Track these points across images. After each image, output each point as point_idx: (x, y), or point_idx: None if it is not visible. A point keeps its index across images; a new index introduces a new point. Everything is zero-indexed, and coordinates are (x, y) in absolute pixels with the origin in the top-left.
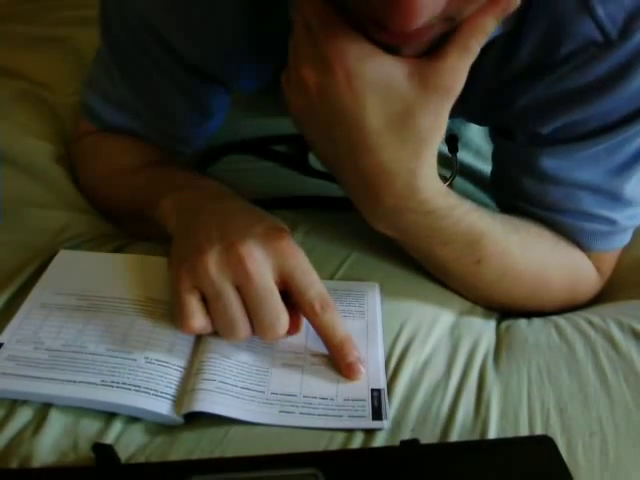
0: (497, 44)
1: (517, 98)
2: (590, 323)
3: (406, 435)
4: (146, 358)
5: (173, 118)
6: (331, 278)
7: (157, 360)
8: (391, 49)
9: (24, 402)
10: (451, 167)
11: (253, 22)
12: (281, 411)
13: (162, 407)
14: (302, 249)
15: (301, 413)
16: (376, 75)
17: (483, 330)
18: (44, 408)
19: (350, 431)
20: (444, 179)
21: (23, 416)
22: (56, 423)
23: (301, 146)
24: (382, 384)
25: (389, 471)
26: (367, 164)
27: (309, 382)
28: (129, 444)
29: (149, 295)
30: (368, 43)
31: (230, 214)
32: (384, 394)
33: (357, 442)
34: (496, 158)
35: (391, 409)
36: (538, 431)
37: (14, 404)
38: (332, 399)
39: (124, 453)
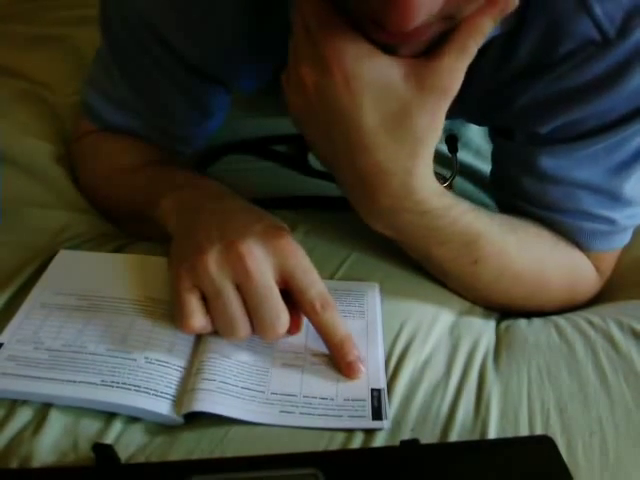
0: (495, 44)
1: (516, 98)
2: (590, 323)
3: (406, 435)
4: (146, 358)
5: (173, 117)
6: (331, 278)
7: (157, 360)
8: (389, 49)
9: (24, 402)
10: (451, 167)
11: (253, 22)
12: (281, 411)
13: (162, 407)
14: (302, 248)
15: (301, 413)
16: (373, 75)
17: (483, 330)
18: (44, 408)
19: (350, 431)
20: (444, 179)
21: (23, 416)
22: (56, 423)
23: (301, 146)
24: (382, 384)
25: (389, 471)
26: (364, 164)
27: (309, 382)
28: (129, 444)
29: (149, 295)
30: (366, 43)
31: (230, 213)
32: (384, 394)
33: (357, 442)
34: (495, 158)
35: (391, 409)
36: (538, 431)
37: (14, 404)
38: (332, 399)
39: (124, 453)
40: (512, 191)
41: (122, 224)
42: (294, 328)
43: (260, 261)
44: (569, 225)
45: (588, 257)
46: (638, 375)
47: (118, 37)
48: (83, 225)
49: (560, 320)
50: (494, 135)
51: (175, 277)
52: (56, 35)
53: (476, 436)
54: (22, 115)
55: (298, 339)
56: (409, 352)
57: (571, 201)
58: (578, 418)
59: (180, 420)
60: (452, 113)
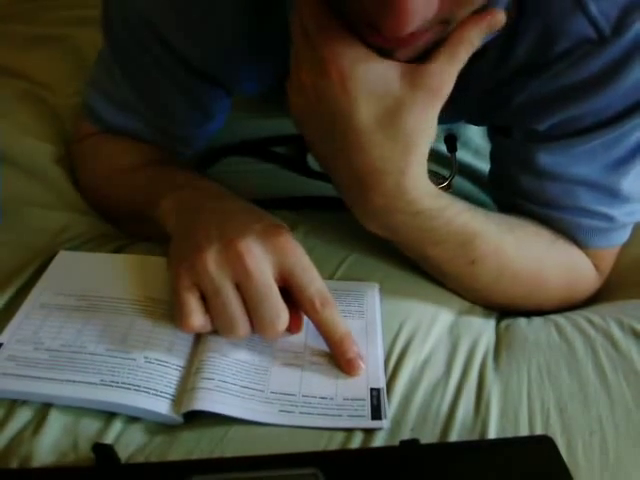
0: (493, 45)
1: (514, 96)
2: (590, 322)
3: (406, 434)
4: (145, 358)
5: (173, 118)
6: (330, 278)
7: (156, 360)
8: (385, 52)
9: (24, 402)
10: (450, 167)
11: (253, 22)
12: (281, 410)
13: (162, 406)
14: (301, 246)
15: (300, 412)
16: (369, 77)
17: (483, 329)
18: (44, 408)
19: (350, 431)
20: (443, 178)
21: (23, 416)
22: (56, 423)
23: (300, 147)
24: (381, 383)
25: (389, 471)
26: (360, 163)
27: (308, 381)
28: (129, 444)
29: (149, 295)
30: (362, 47)
31: (230, 213)
32: (383, 393)
33: (357, 442)
34: (494, 156)
35: (390, 408)
36: (538, 430)
37: (14, 404)
38: (331, 398)
39: (124, 453)
40: (511, 189)
41: (122, 224)
42: (294, 327)
43: (259, 259)
44: (567, 222)
45: (587, 255)
46: (638, 374)
47: (119, 37)
48: (83, 226)
49: (560, 319)
50: (492, 133)
51: (174, 276)
52: (56, 35)
53: (476, 435)
54: (22, 115)
55: (298, 338)
56: (408, 352)
57: (569, 198)
58: (578, 417)
59: (180, 419)
60: (453, 116)
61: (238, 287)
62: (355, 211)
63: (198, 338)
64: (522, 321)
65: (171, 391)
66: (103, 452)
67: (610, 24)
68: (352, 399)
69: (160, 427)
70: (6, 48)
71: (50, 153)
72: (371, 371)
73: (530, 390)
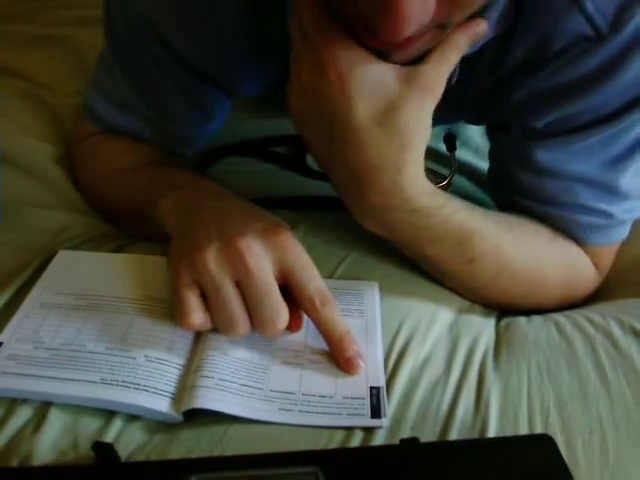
0: (491, 46)
1: (512, 93)
2: (590, 321)
3: (406, 433)
4: (145, 356)
5: (173, 118)
6: (330, 277)
7: (156, 358)
8: (382, 54)
9: (24, 401)
10: (450, 166)
11: (253, 23)
12: (280, 408)
13: (162, 405)
14: (301, 245)
15: (300, 411)
16: (366, 78)
17: (482, 328)
18: (44, 407)
19: (349, 429)
20: (443, 177)
21: (23, 415)
22: (56, 422)
23: (300, 147)
24: (381, 382)
25: (389, 470)
26: (358, 161)
27: (308, 380)
28: (129, 442)
29: (148, 294)
30: (360, 49)
31: (229, 212)
32: (383, 392)
33: (356, 440)
34: (493, 155)
35: (390, 407)
36: (538, 429)
37: (14, 403)
38: (331, 397)
39: (124, 451)
40: (510, 187)
41: (122, 225)
42: (294, 325)
43: (259, 257)
44: (566, 219)
45: (586, 253)
46: (638, 373)
47: (120, 37)
48: (83, 226)
49: (560, 318)
50: (491, 132)
51: (174, 274)
52: (56, 35)
53: (476, 434)
54: (22, 116)
55: (297, 337)
56: (408, 350)
57: (568, 194)
58: (578, 416)
59: (180, 418)
60: (453, 116)
61: (238, 285)
62: (353, 210)
63: (198, 336)
64: (522, 320)
65: (171, 389)
66: (103, 451)
67: (607, 21)
68: (352, 398)
69: (160, 426)
70: (6, 48)
71: (50, 153)
72: (371, 370)
73: (530, 389)
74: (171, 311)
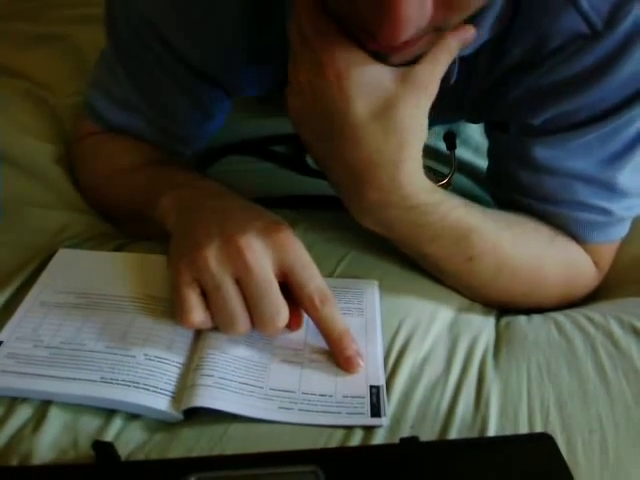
0: (488, 47)
1: (510, 91)
2: (590, 320)
3: (405, 432)
4: (145, 355)
5: (174, 117)
6: (330, 276)
7: (156, 357)
8: (380, 56)
9: (24, 400)
10: (450, 164)
11: (253, 23)
12: (280, 407)
13: (162, 403)
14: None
15: (300, 409)
16: (364, 78)
17: (482, 327)
18: (44, 405)
19: (349, 428)
20: (443, 176)
21: (23, 414)
22: (56, 421)
23: (299, 146)
24: (381, 381)
25: (389, 469)
26: (357, 158)
27: (308, 378)
28: (129, 441)
29: (148, 292)
30: (358, 51)
31: (230, 211)
32: (383, 391)
33: (356, 439)
34: (492, 153)
35: (390, 406)
36: (538, 428)
37: (14, 402)
38: (331, 396)
39: (124, 450)
40: (509, 185)
41: (121, 224)
42: (294, 324)
43: (260, 255)
44: (565, 217)
45: (586, 251)
46: (638, 372)
47: (122, 37)
48: (83, 225)
49: (560, 317)
50: (490, 130)
51: (175, 272)
52: (59, 34)
53: (476, 433)
54: (23, 115)
55: (297, 336)
56: (408, 349)
57: (567, 192)
58: (578, 415)
59: (180, 416)
60: (454, 116)
61: (238, 283)
62: (351, 208)
63: (198, 335)
64: (522, 319)
65: (171, 388)
66: (103, 449)
67: (602, 19)
68: (351, 396)
69: (160, 424)
70: (7, 47)
71: (50, 153)
72: (370, 369)
73: (530, 388)
74: (171, 310)
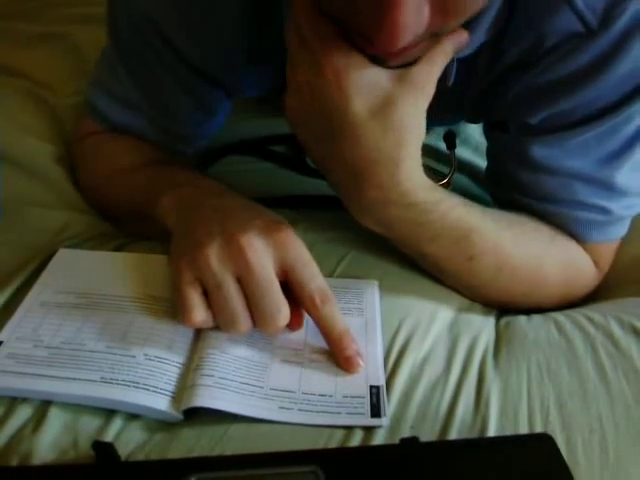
0: (486, 47)
1: (508, 90)
2: (590, 320)
3: (406, 432)
4: (145, 355)
5: (175, 116)
6: (330, 276)
7: (156, 357)
8: (377, 60)
9: (24, 400)
10: (450, 164)
11: (253, 24)
12: (280, 407)
13: (162, 403)
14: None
15: (300, 409)
16: (362, 79)
17: (482, 326)
18: (44, 406)
19: (350, 428)
20: (443, 176)
21: (23, 414)
22: (56, 421)
23: (298, 147)
24: (381, 381)
25: (389, 469)
26: (357, 156)
27: (308, 378)
28: (129, 441)
29: (149, 292)
30: (356, 54)
31: (230, 210)
32: (383, 391)
33: (357, 440)
34: (491, 153)
35: (390, 406)
36: (538, 428)
37: (14, 402)
38: (331, 396)
39: (124, 450)
40: (508, 185)
41: (122, 224)
42: (295, 324)
43: (261, 254)
44: (565, 216)
45: (586, 251)
46: (638, 372)
47: (123, 35)
48: (83, 225)
49: (560, 317)
50: (489, 130)
51: (176, 271)
52: (59, 33)
53: (476, 433)
54: (23, 115)
55: (297, 336)
56: (408, 349)
57: (566, 191)
58: (578, 415)
59: (180, 416)
60: (454, 117)
61: (239, 282)
62: (351, 207)
63: (198, 335)
64: (522, 318)
65: (171, 388)
66: (103, 450)
67: (597, 17)
68: (351, 396)
69: (160, 425)
70: (7, 47)
71: (50, 153)
72: (370, 369)
73: (530, 387)
74: (172, 309)
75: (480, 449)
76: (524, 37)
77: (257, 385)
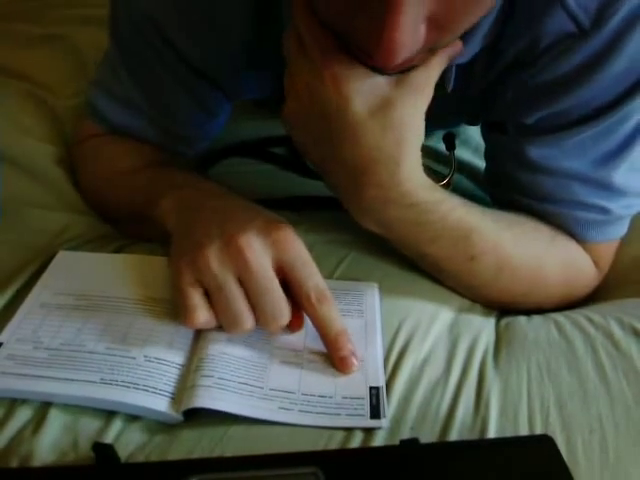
0: (484, 51)
1: (506, 91)
2: (590, 320)
3: (406, 433)
4: (145, 356)
5: (176, 117)
6: (330, 277)
7: (156, 358)
8: (376, 70)
9: (24, 401)
10: (450, 165)
11: (253, 23)
12: (280, 407)
13: (161, 404)
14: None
15: (300, 410)
16: (362, 84)
17: (482, 327)
18: (44, 407)
19: (349, 430)
20: (443, 177)
21: (23, 415)
22: (56, 422)
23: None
24: (381, 382)
25: (389, 470)
26: (357, 156)
27: (308, 380)
28: (129, 443)
29: (149, 294)
30: (356, 65)
31: (230, 212)
32: (383, 392)
33: (357, 441)
34: (489, 154)
35: (390, 407)
36: (538, 428)
37: (14, 403)
38: (330, 397)
39: (124, 452)
40: (508, 185)
41: (122, 226)
42: (295, 325)
43: (259, 253)
44: (564, 216)
45: (586, 251)
46: (638, 373)
47: (124, 35)
48: (83, 226)
49: (560, 317)
50: (487, 131)
51: (176, 272)
52: (59, 34)
53: (476, 434)
54: (23, 116)
55: (297, 337)
56: (408, 350)
57: (565, 192)
58: (578, 416)
59: (180, 418)
60: (454, 119)
61: (240, 282)
62: (350, 208)
63: (197, 336)
64: (522, 319)
65: (171, 389)
66: (103, 451)
67: (589, 17)
68: (351, 398)
69: (160, 426)
70: (7, 47)
71: (51, 154)
72: (370, 370)
73: (530, 388)
74: (172, 311)
75: (480, 450)
76: (521, 37)
77: (257, 385)
